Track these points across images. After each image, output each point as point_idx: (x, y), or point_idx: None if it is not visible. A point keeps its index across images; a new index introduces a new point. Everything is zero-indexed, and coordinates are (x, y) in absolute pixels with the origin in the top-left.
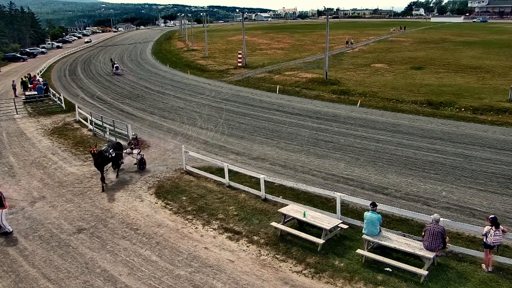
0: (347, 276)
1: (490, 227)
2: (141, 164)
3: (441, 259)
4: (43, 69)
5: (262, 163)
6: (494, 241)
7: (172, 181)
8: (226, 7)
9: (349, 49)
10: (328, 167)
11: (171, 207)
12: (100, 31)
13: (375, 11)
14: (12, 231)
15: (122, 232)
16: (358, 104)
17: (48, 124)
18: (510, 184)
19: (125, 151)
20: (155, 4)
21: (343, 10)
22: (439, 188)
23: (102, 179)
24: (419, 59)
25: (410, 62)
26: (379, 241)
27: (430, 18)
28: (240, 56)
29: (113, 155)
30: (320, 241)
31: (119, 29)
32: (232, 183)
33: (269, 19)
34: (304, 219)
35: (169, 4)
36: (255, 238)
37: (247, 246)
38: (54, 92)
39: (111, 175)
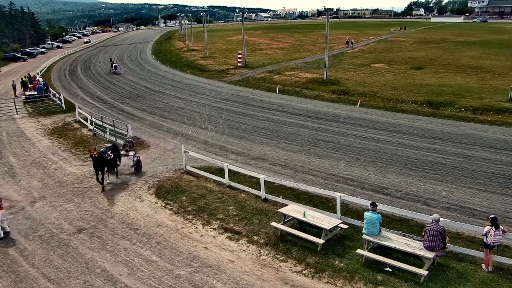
0: (347, 276)
1: (490, 227)
2: (138, 166)
3: (441, 259)
4: (43, 69)
5: (262, 163)
6: (494, 241)
7: (172, 181)
8: (226, 7)
9: (349, 49)
10: (328, 167)
11: (171, 207)
12: (100, 31)
13: (375, 11)
14: (9, 231)
15: (122, 232)
16: (358, 104)
17: (48, 124)
18: (510, 184)
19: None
20: (155, 4)
21: (343, 10)
22: (439, 188)
23: (101, 180)
24: (419, 59)
25: (410, 62)
26: (379, 241)
27: (430, 18)
28: (240, 56)
29: (111, 157)
30: (320, 241)
31: (119, 29)
32: (232, 183)
33: (269, 19)
34: (304, 219)
35: (169, 4)
36: (255, 238)
37: (247, 246)
38: (54, 92)
39: (110, 177)
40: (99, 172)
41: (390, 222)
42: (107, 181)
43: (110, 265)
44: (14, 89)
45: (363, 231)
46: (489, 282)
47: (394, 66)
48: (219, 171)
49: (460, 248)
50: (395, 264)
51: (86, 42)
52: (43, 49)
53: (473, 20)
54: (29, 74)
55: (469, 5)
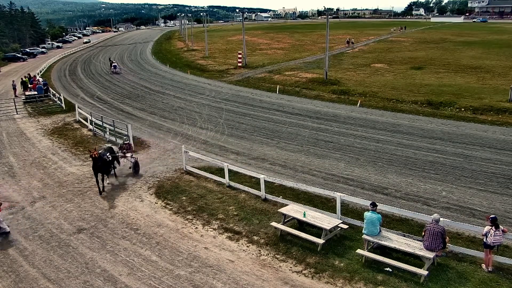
0: (347, 276)
1: (490, 227)
2: (136, 168)
3: (441, 259)
4: (43, 69)
5: (262, 163)
6: (494, 241)
7: (172, 181)
8: (226, 7)
9: (349, 49)
10: (328, 167)
11: (171, 207)
12: (100, 31)
13: (375, 11)
14: (9, 231)
15: (122, 232)
16: (358, 104)
17: (48, 124)
18: (510, 184)
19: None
20: (155, 4)
21: (343, 10)
22: (439, 188)
23: (100, 181)
24: (419, 59)
25: (410, 62)
26: (379, 241)
27: (430, 18)
28: (240, 56)
29: (110, 158)
30: (320, 241)
31: (119, 29)
32: (232, 183)
33: (269, 19)
34: (304, 219)
35: (169, 4)
36: (255, 238)
37: (247, 246)
38: (54, 92)
39: (110, 178)
40: (98, 174)
41: (390, 222)
42: (107, 182)
43: (110, 265)
44: (14, 89)
45: (363, 231)
46: (489, 282)
47: (394, 66)
48: (219, 171)
49: (460, 248)
50: (395, 264)
51: (86, 42)
52: (43, 49)
53: (473, 20)
54: (29, 74)
55: (469, 5)
